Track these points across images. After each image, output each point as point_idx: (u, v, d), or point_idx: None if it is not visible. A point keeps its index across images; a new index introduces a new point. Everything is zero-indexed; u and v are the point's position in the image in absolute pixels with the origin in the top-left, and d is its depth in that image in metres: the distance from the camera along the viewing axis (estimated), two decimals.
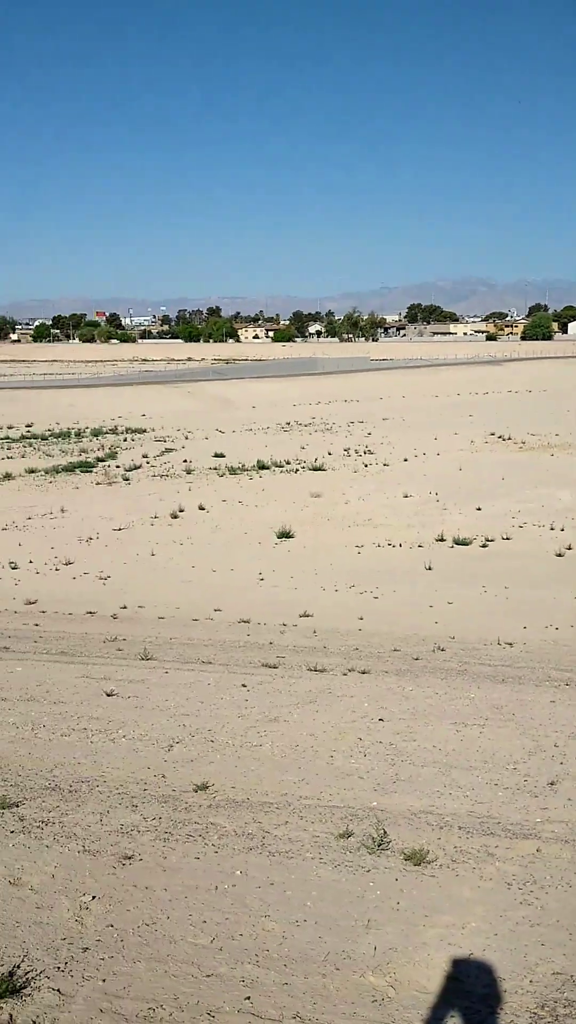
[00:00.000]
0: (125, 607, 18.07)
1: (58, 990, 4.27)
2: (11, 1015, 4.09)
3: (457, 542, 22.07)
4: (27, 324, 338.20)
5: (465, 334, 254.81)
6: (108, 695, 10.62)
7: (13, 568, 21.15)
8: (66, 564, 21.41)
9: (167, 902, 5.20)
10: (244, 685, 11.07)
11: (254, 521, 25.64)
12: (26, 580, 20.23)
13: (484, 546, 21.73)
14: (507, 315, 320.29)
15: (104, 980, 4.37)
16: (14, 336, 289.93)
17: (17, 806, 6.63)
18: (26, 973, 4.38)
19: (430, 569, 19.61)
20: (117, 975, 4.42)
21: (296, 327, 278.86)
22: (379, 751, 8.16)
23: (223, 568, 20.87)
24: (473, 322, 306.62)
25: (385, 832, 6.22)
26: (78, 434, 49.49)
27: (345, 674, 11.46)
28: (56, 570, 21.04)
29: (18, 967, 4.42)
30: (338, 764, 7.86)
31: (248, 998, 4.37)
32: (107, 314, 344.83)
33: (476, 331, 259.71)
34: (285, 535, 23.52)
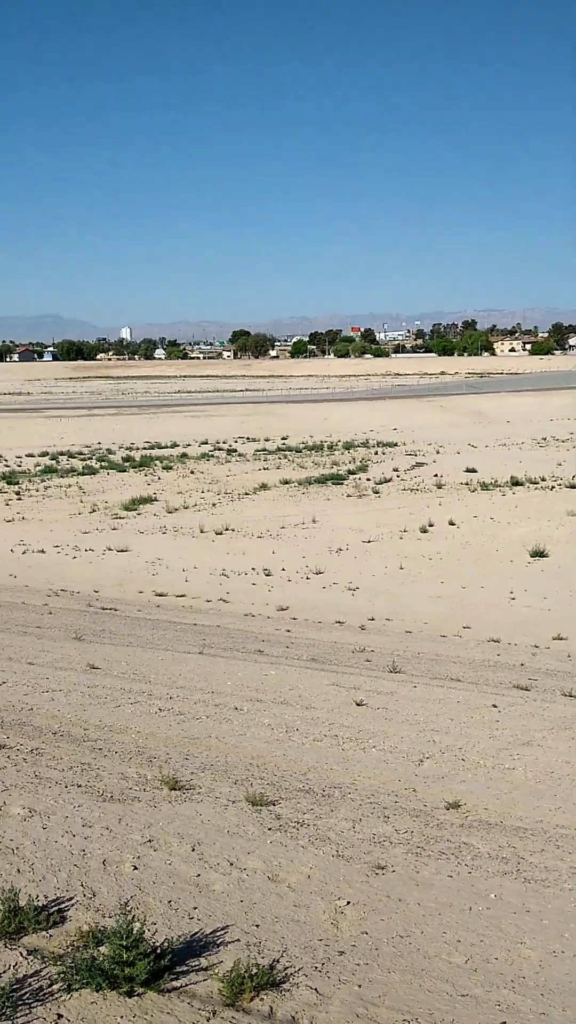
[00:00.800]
0: (373, 619, 18.23)
1: (316, 989, 4.38)
2: (271, 1007, 4.24)
3: None
4: (285, 341, 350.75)
5: None
6: (358, 704, 10.75)
7: (267, 575, 21.93)
8: (316, 573, 21.92)
9: (420, 917, 5.19)
10: (495, 705, 10.84)
11: (506, 538, 25.05)
12: (278, 587, 20.92)
13: None
14: None
15: (360, 986, 4.42)
16: (273, 352, 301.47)
17: (274, 804, 6.86)
18: (285, 968, 4.52)
19: None
20: (372, 983, 4.47)
21: (556, 339, 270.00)
22: None
23: (472, 585, 20.55)
24: None
25: None
26: (330, 447, 50.60)
27: None
28: (307, 579, 21.60)
29: (277, 961, 4.58)
30: None
31: (504, 1023, 4.28)
32: (362, 329, 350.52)
33: None
34: (539, 554, 22.80)
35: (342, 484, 36.34)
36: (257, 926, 4.94)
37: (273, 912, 5.11)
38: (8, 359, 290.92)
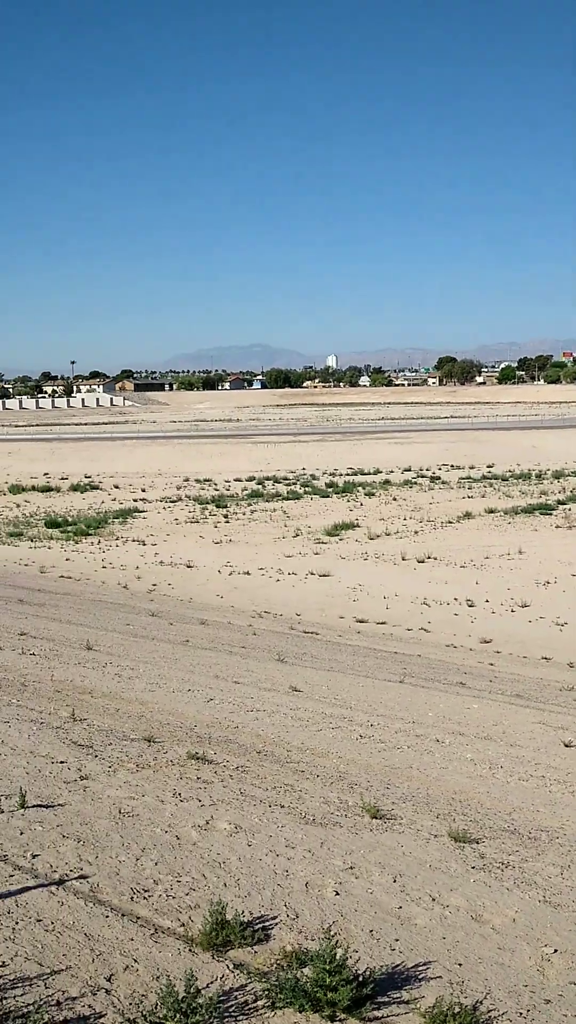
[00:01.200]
0: None
1: None
2: None
3: None
4: (492, 367, 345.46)
5: None
6: (566, 746, 10.36)
7: (470, 606, 21.57)
8: (522, 606, 21.33)
9: None
10: None
11: None
12: (481, 619, 20.51)
13: None
14: None
15: None
16: (480, 379, 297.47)
17: (477, 843, 6.72)
18: (489, 1011, 4.42)
19: None
20: None
21: None
22: None
23: None
24: None
25: None
26: (539, 476, 49.21)
27: None
28: (511, 611, 21.06)
29: (480, 1003, 4.48)
30: None
31: None
32: (574, 355, 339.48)
33: None
34: None
35: (551, 514, 35.26)
36: (460, 965, 4.85)
37: (476, 952, 5.01)
38: (220, 387, 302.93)
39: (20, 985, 4.35)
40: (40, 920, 4.97)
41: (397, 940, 5.08)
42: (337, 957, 4.46)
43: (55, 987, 4.37)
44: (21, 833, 6.07)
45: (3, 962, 4.54)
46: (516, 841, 6.95)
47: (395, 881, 5.86)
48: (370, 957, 4.86)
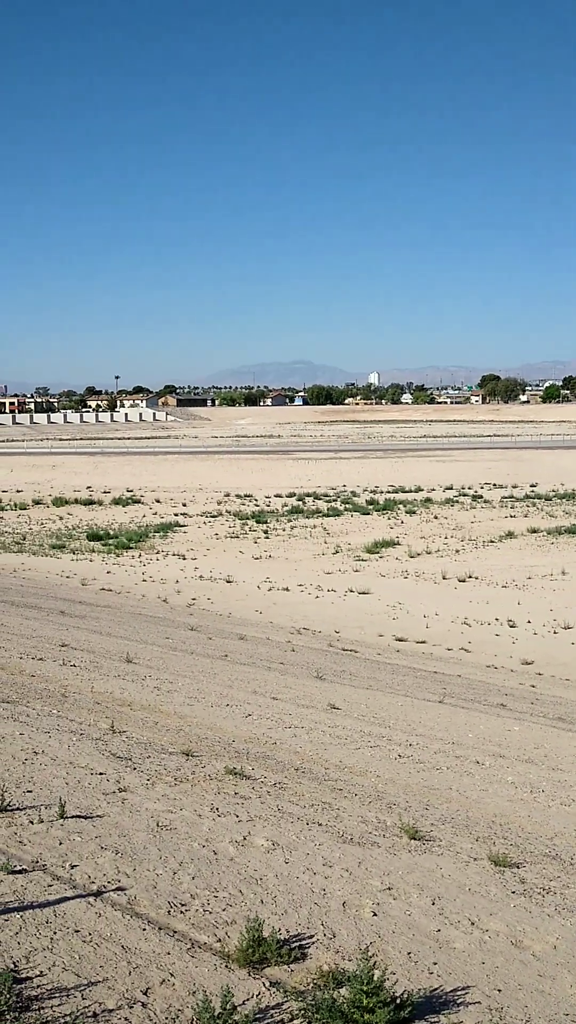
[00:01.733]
0: None
1: None
2: None
3: None
4: (537, 385, 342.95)
5: None
6: None
7: (511, 626, 21.36)
8: (565, 628, 21.07)
9: None
10: None
11: None
12: (523, 640, 20.30)
13: None
14: None
15: None
16: (523, 397, 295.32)
17: (518, 867, 6.62)
18: None
19: None
20: None
21: None
22: None
23: None
24: None
25: None
26: None
27: None
28: (554, 633, 20.82)
29: None
30: None
31: None
32: None
33: None
34: None
35: None
36: (499, 991, 4.78)
37: (516, 979, 4.92)
38: (262, 403, 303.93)
39: (57, 995, 4.36)
40: (78, 931, 4.98)
41: (435, 963, 5.02)
42: (375, 978, 4.41)
43: (92, 998, 4.37)
44: (60, 843, 6.10)
45: (41, 971, 4.55)
46: (558, 866, 6.84)
47: (434, 904, 5.79)
48: (408, 980, 4.80)
